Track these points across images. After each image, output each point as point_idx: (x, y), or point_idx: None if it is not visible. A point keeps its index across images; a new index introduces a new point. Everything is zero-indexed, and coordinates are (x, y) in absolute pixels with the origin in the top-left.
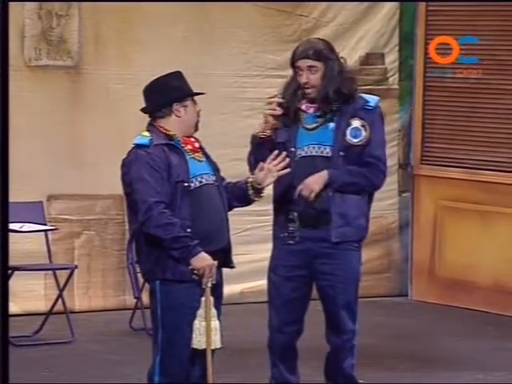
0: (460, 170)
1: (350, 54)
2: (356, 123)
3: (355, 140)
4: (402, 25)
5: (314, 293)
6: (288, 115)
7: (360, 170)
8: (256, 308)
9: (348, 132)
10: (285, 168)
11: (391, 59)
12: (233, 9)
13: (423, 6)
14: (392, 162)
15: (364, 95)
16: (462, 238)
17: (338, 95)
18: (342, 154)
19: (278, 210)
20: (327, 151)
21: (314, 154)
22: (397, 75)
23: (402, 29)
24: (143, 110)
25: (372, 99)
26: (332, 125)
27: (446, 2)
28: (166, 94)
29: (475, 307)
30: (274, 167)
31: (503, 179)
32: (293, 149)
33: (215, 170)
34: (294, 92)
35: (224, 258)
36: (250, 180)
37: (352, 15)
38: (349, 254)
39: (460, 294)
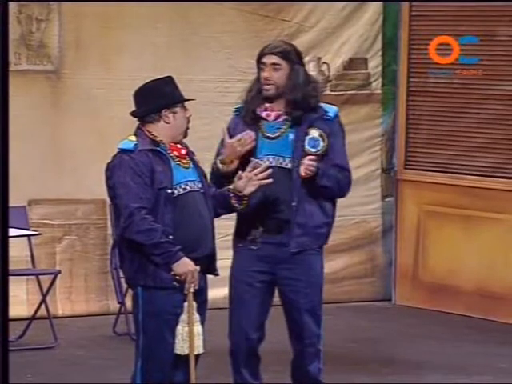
0: (444, 174)
1: (333, 58)
2: (314, 133)
3: (313, 150)
4: (384, 30)
5: (276, 298)
6: (246, 119)
7: (335, 175)
8: None
9: (306, 142)
10: (267, 178)
11: (374, 64)
12: (215, 13)
13: (406, 10)
14: (375, 166)
15: (323, 105)
16: (445, 243)
17: (304, 103)
18: None
19: (240, 218)
20: (286, 163)
21: (273, 164)
22: (380, 80)
23: (385, 34)
24: (132, 114)
25: (331, 109)
26: (291, 136)
27: (429, 7)
28: (156, 99)
29: (458, 312)
30: (254, 176)
31: (487, 184)
32: (252, 158)
33: (202, 176)
34: (255, 95)
35: (208, 264)
36: (231, 188)
37: (335, 20)
38: (310, 258)
39: (443, 299)
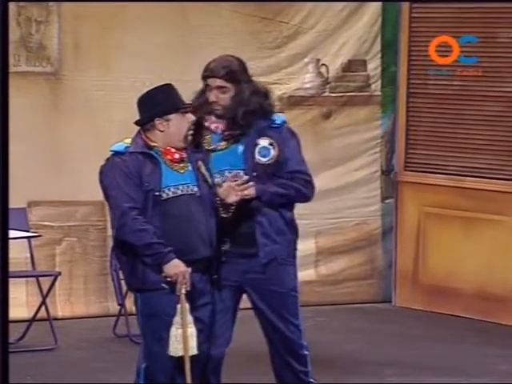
0: (444, 176)
1: (332, 60)
2: (264, 142)
3: (264, 159)
4: (384, 31)
5: None
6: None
7: (290, 183)
8: (240, 314)
9: (256, 152)
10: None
11: (373, 66)
12: (214, 15)
13: (406, 12)
14: (375, 168)
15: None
16: (445, 245)
17: (248, 116)
18: (254, 174)
19: None
20: (241, 175)
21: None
22: (379, 82)
23: (384, 35)
24: (135, 122)
25: (278, 117)
26: (241, 147)
27: (429, 9)
28: (149, 108)
29: (458, 313)
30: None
31: (487, 186)
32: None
33: (201, 181)
34: (202, 104)
35: (207, 267)
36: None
37: (333, 22)
38: (280, 268)
39: (443, 301)
